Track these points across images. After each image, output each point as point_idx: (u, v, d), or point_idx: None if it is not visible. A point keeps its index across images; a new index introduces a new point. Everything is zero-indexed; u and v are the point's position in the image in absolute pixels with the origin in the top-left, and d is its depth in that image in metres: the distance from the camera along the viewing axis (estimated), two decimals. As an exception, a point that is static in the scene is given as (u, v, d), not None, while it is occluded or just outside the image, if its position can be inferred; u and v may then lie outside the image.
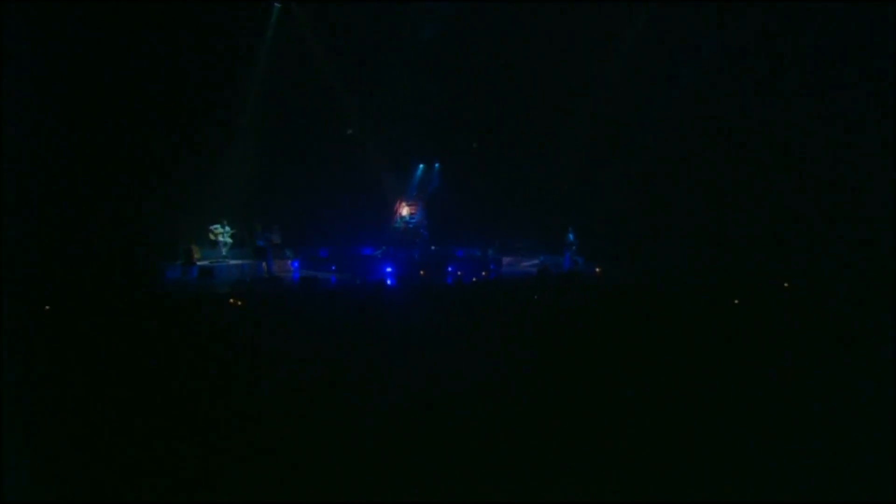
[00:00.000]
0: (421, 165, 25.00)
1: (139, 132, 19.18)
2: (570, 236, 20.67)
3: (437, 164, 24.95)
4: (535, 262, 22.64)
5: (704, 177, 20.32)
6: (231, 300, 11.23)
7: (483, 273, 18.31)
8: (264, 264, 18.38)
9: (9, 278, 13.29)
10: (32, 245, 16.15)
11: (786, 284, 9.41)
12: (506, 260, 22.13)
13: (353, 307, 12.13)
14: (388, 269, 18.80)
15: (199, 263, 18.61)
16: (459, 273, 17.91)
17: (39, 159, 17.16)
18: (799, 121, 18.58)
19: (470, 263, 21.24)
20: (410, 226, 23.33)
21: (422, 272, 17.21)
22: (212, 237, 19.75)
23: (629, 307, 11.62)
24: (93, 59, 17.89)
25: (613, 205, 21.66)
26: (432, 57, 22.20)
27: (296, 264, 20.49)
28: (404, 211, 23.74)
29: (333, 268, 19.71)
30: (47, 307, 11.61)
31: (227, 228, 19.85)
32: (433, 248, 23.78)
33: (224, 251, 19.82)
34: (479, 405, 6.58)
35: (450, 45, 21.75)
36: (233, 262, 19.48)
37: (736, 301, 11.62)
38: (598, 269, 18.93)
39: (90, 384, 7.03)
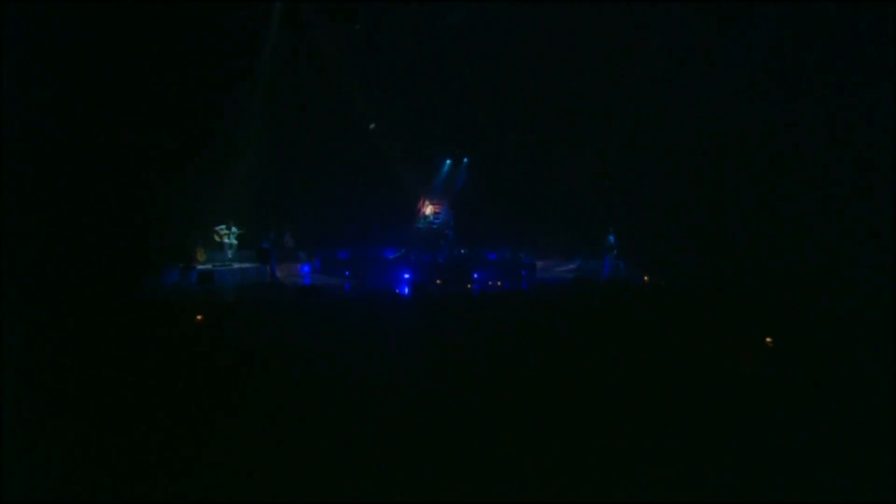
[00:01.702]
0: (448, 161, 23.10)
1: (147, 131, 18.04)
2: (611, 238, 18.45)
3: (465, 160, 23.06)
4: (571, 266, 20.56)
5: (763, 173, 18.10)
6: (199, 317, 9.51)
7: (498, 283, 16.08)
8: (268, 268, 16.71)
9: (10, 280, 12.26)
10: (34, 247, 15.17)
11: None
12: (539, 264, 20.05)
13: (353, 323, 10.28)
14: (406, 276, 16.86)
15: (199, 267, 17.02)
16: (470, 285, 15.73)
17: (43, 160, 16.15)
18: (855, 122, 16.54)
19: (499, 268, 19.17)
20: (434, 226, 21.35)
21: (438, 281, 15.04)
22: (217, 238, 18.24)
23: (692, 326, 9.57)
24: (101, 59, 16.89)
25: (660, 204, 19.56)
26: (463, 48, 20.56)
27: (306, 268, 18.74)
28: (428, 210, 21.80)
29: (347, 273, 17.83)
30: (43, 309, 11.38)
31: (234, 229, 18.27)
32: (462, 250, 21.80)
33: (230, 253, 18.25)
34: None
35: (484, 36, 20.15)
36: (238, 265, 17.83)
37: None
38: (646, 278, 16.58)
39: (89, 385, 6.96)
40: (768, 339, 8.47)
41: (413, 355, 8.51)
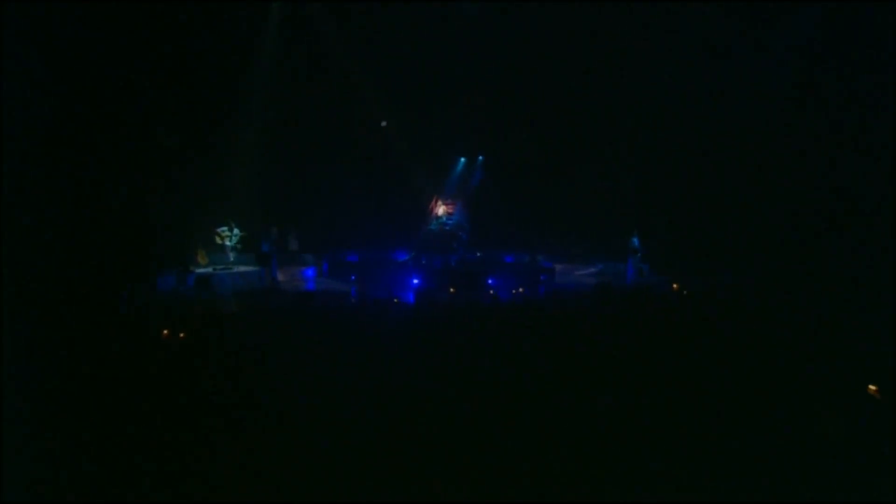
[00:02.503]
0: (462, 159, 22.06)
1: (148, 130, 17.47)
2: (635, 241, 17.30)
3: (480, 158, 22.08)
4: (592, 269, 19.43)
5: (800, 171, 16.96)
6: (165, 331, 8.57)
7: (520, 289, 14.81)
8: (267, 272, 15.87)
9: (9, 281, 12.15)
10: (31, 248, 14.58)
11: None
12: (557, 267, 18.91)
13: (346, 336, 9.29)
14: (415, 281, 15.81)
15: (197, 271, 16.17)
16: (491, 292, 14.53)
17: (40, 160, 15.65)
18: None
19: (516, 273, 18.07)
20: (447, 227, 20.30)
21: (452, 289, 13.84)
22: (218, 240, 17.43)
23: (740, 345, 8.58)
24: (99, 58, 16.41)
25: (687, 204, 18.55)
26: (479, 42, 19.66)
27: (310, 272, 17.79)
28: (440, 210, 20.76)
29: (353, 278, 16.87)
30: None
31: (236, 231, 17.41)
32: (478, 253, 20.73)
33: (231, 256, 17.41)
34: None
35: (501, 30, 19.41)
36: (240, 268, 16.96)
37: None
38: (675, 285, 15.35)
39: (90, 386, 6.92)
40: (872, 388, 6.88)
41: (411, 371, 7.73)
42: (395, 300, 12.38)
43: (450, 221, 20.62)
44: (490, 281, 16.13)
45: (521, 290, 14.71)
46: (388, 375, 7.44)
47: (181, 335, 8.52)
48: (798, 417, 6.14)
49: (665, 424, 6.08)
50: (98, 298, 13.10)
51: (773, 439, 5.74)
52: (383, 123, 21.32)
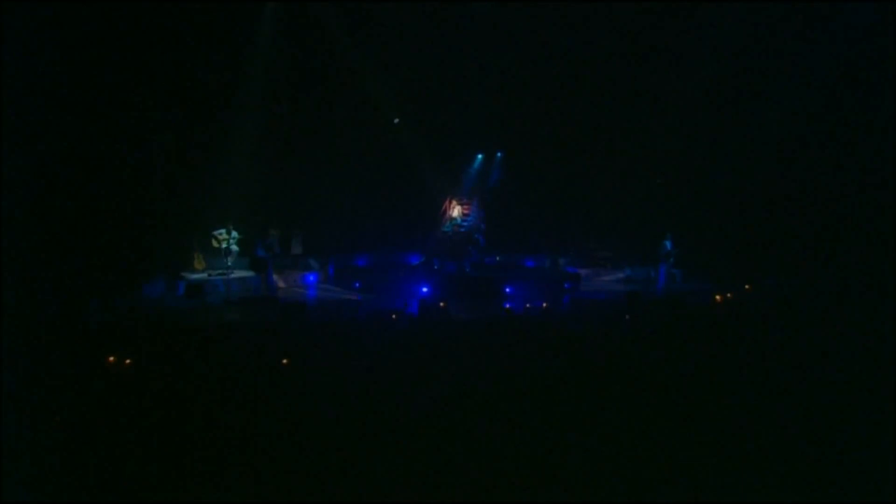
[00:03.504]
0: (479, 155, 20.77)
1: (144, 127, 16.49)
2: (668, 244, 15.77)
3: (498, 154, 20.89)
4: (620, 275, 17.97)
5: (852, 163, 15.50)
6: (111, 357, 7.32)
7: (543, 305, 13.17)
8: (263, 278, 14.70)
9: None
10: (28, 251, 13.63)
11: None
12: (582, 272, 17.43)
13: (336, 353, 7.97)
14: (424, 289, 14.39)
15: (191, 277, 14.99)
16: (508, 307, 12.94)
17: (34, 160, 14.70)
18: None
19: (537, 279, 16.60)
20: (462, 229, 19.02)
21: (442, 304, 12.30)
22: (215, 244, 16.20)
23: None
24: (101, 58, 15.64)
25: (727, 203, 17.18)
26: (499, 30, 18.57)
27: (311, 278, 16.49)
28: (455, 212, 19.48)
29: (357, 285, 15.51)
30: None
31: (235, 234, 16.19)
32: (497, 257, 19.30)
33: (229, 261, 16.19)
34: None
35: (525, 19, 18.24)
36: (238, 273, 15.79)
37: None
38: (719, 297, 13.70)
39: (90, 388, 6.86)
40: None
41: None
42: (394, 316, 10.91)
43: (465, 223, 19.55)
44: (508, 289, 14.70)
45: (544, 305, 13.00)
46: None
47: (126, 361, 7.24)
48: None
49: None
50: (61, 308, 11.95)
51: (774, 440, 5.76)
52: (396, 120, 20.10)
